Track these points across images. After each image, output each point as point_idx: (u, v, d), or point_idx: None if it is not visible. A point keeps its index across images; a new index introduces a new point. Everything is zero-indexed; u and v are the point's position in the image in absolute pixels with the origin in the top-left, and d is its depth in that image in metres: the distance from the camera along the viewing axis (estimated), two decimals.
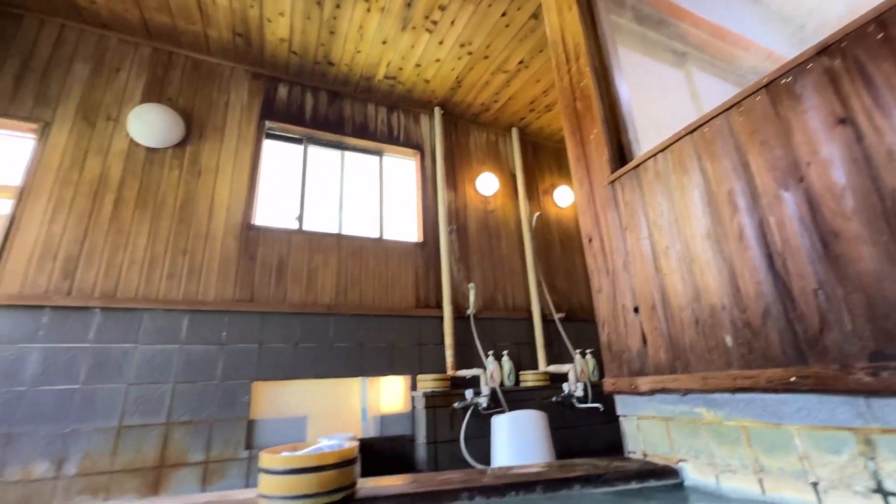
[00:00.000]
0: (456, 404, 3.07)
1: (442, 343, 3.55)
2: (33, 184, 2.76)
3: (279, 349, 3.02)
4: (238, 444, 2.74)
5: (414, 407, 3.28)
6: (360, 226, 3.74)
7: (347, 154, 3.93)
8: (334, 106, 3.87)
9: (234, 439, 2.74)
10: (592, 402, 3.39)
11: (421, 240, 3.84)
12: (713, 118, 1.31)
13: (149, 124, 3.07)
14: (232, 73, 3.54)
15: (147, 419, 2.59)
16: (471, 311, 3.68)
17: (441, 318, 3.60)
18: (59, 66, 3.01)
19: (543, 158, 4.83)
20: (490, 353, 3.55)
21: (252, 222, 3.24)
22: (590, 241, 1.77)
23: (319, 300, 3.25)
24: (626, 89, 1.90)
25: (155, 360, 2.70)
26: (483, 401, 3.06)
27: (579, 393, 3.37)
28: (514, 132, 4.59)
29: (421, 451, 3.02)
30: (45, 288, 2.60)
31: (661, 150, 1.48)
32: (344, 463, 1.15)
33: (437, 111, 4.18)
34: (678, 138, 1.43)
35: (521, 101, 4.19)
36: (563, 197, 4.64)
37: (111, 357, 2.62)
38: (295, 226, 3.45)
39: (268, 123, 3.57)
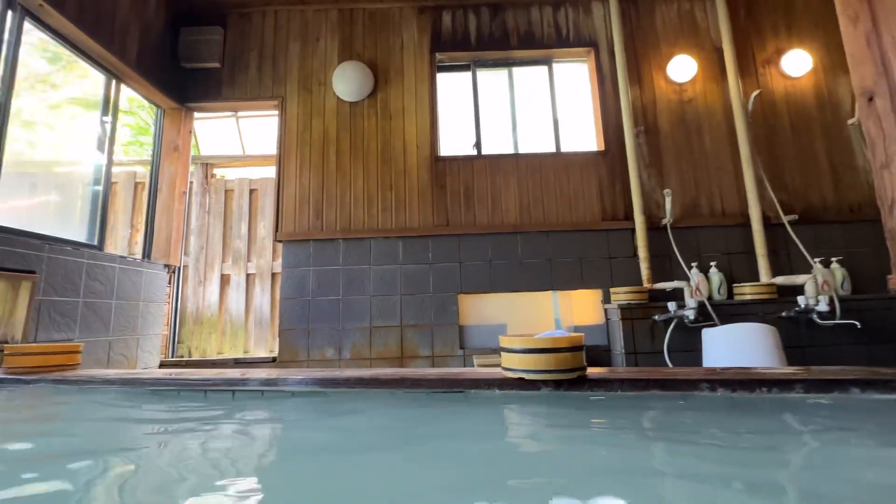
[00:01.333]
0: (656, 317, 2.92)
1: (634, 256, 3.35)
2: (284, 149, 3.58)
3: (476, 266, 3.36)
4: (454, 343, 3.27)
5: (608, 319, 3.26)
6: (536, 142, 3.66)
7: (515, 70, 3.79)
8: (497, 20, 3.72)
9: (449, 340, 3.28)
10: (842, 319, 2.76)
11: (602, 148, 3.54)
12: None
13: (347, 82, 3.55)
14: (401, 13, 3.72)
15: (387, 322, 3.31)
16: (667, 220, 3.31)
17: (632, 230, 3.36)
18: (281, 48, 3.69)
19: (763, 16, 3.69)
20: (693, 264, 3.19)
21: (438, 154, 3.54)
22: (870, 99, 1.33)
23: (505, 220, 3.42)
24: None
25: (384, 277, 3.36)
26: (690, 314, 2.83)
27: (822, 307, 2.78)
28: None
29: (619, 362, 3.05)
30: (307, 226, 3.45)
31: None
32: (576, 347, 1.26)
33: None
34: None
35: None
36: (796, 63, 3.53)
37: (356, 276, 3.38)
38: (474, 152, 3.61)
39: (438, 56, 3.69)
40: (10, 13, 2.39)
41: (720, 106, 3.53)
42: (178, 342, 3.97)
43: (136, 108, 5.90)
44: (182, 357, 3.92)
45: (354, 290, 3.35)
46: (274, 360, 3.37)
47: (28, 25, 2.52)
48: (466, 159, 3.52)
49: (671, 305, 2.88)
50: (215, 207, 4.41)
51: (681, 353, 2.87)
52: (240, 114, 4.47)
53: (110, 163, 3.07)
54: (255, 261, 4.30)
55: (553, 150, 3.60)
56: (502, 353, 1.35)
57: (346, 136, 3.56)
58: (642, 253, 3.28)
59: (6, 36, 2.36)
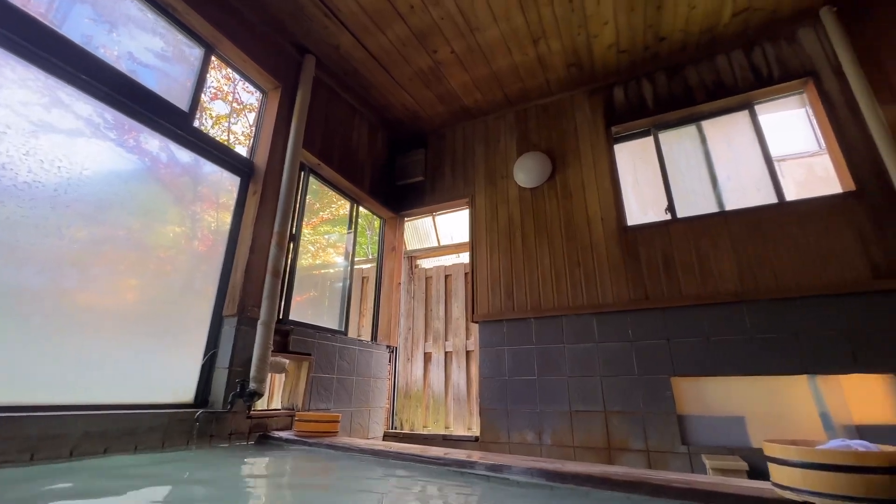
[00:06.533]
0: None
1: None
2: (475, 238, 4.01)
3: (689, 344, 2.91)
4: (673, 437, 2.78)
5: None
6: (748, 196, 3.16)
7: (705, 124, 3.48)
8: (676, 80, 3.57)
9: (668, 432, 2.81)
10: None
11: (852, 188, 2.80)
12: None
13: (526, 171, 3.86)
14: (572, 100, 3.96)
15: (588, 406, 3.08)
16: None
17: None
18: (469, 154, 4.33)
19: None
20: None
21: (626, 224, 3.39)
22: None
23: (721, 288, 2.93)
24: None
25: (580, 356, 3.21)
26: None
27: None
28: None
29: None
30: (500, 307, 3.66)
31: None
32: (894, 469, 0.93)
33: (827, 13, 3.05)
34: None
35: None
36: None
37: (549, 355, 3.33)
38: (667, 216, 3.32)
39: (614, 129, 3.71)
40: (302, 173, 3.52)
41: None
42: (395, 414, 4.50)
43: (358, 218, 7.62)
44: (397, 429, 4.41)
45: (550, 370, 3.28)
46: (476, 439, 3.47)
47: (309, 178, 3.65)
48: (660, 225, 3.26)
49: None
50: (418, 293, 5.11)
51: None
52: (436, 212, 5.28)
53: (352, 264, 3.98)
54: (451, 339, 4.71)
55: (773, 200, 3.03)
56: (771, 465, 1.09)
57: (529, 220, 3.78)
58: None
59: (300, 188, 3.46)
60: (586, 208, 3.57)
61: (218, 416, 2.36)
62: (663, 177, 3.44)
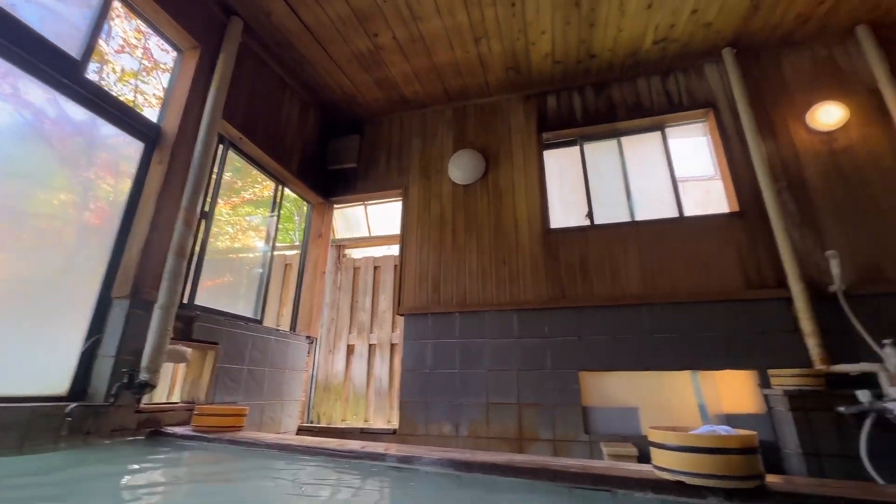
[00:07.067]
0: (842, 408, 2.35)
1: (795, 330, 2.82)
2: (406, 230, 3.98)
3: (597, 341, 3.15)
4: (578, 427, 3.00)
5: (770, 408, 2.72)
6: (656, 209, 3.49)
7: (624, 140, 3.78)
8: (602, 96, 3.83)
9: (572, 422, 3.02)
10: None
11: (736, 209, 3.21)
12: None
13: (461, 168, 3.90)
14: (508, 103, 4.07)
15: (504, 399, 3.21)
16: (836, 286, 2.77)
17: (788, 300, 2.87)
18: (406, 144, 4.27)
19: None
20: (887, 341, 2.55)
21: (549, 227, 3.57)
22: None
23: (627, 291, 3.21)
24: None
25: (500, 351, 3.33)
26: (894, 406, 2.22)
27: None
28: (862, 32, 3.24)
29: (794, 464, 2.46)
30: (426, 301, 3.67)
31: None
32: (750, 450, 1.07)
33: (728, 53, 3.46)
34: None
35: None
36: None
37: (472, 349, 3.41)
38: (587, 222, 3.56)
39: (545, 136, 3.88)
40: (220, 146, 3.22)
41: (889, 151, 3.00)
42: (311, 408, 4.32)
43: (285, 202, 7.20)
44: (313, 423, 4.24)
45: (470, 364, 3.36)
46: (394, 431, 3.45)
47: (228, 152, 3.36)
48: (579, 230, 3.48)
49: (863, 395, 2.30)
50: (345, 283, 4.95)
51: (889, 461, 2.22)
52: (368, 201, 5.14)
53: (273, 249, 3.73)
54: (376, 332, 4.63)
55: (675, 214, 3.38)
56: (653, 449, 1.21)
57: (460, 216, 3.83)
58: (807, 327, 2.74)
59: (217, 162, 3.16)
60: (514, 209, 3.70)
61: (97, 410, 2.07)
62: (585, 185, 3.68)
